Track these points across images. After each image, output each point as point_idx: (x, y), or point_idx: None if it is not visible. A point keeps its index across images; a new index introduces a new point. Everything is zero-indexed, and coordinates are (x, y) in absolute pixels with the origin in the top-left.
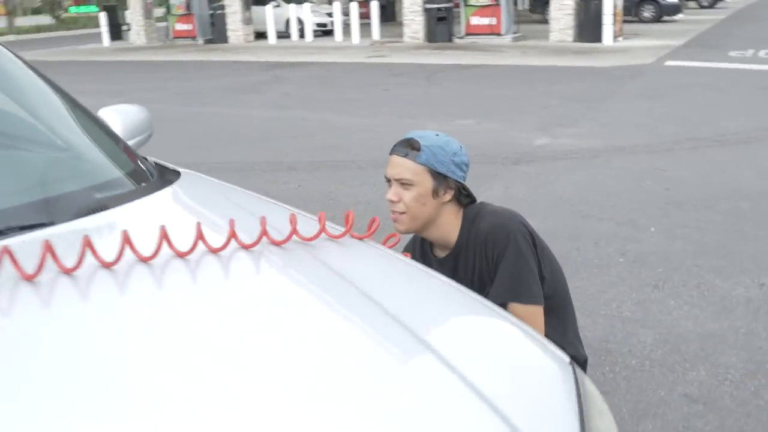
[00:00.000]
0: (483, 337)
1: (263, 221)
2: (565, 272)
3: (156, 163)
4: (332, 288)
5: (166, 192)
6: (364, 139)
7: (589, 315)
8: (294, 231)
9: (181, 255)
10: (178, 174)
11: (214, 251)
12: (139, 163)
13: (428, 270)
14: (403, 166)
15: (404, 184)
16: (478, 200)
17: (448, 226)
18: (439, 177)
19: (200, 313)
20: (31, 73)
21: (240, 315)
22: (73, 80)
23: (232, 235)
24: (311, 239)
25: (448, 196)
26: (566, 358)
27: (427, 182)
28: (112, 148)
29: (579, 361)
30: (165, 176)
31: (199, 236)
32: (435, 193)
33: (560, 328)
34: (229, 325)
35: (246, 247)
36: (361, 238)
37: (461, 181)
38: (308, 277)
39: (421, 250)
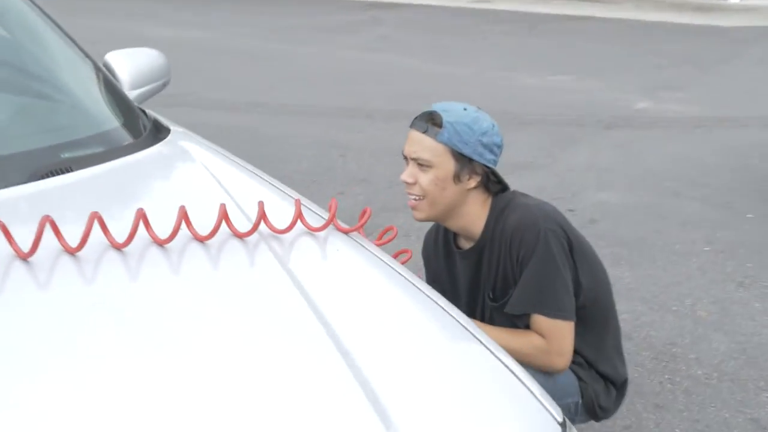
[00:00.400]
0: (445, 382)
1: (222, 209)
2: (638, 256)
3: (152, 119)
4: (267, 295)
5: (136, 158)
6: (449, 89)
7: (657, 310)
8: (261, 219)
9: (118, 246)
10: (162, 137)
11: (161, 242)
12: (126, 119)
13: (414, 282)
14: (421, 144)
15: (421, 164)
16: (525, 189)
17: (473, 216)
18: (462, 159)
19: (106, 314)
20: (27, 9)
21: (138, 311)
22: (155, 10)
23: (185, 220)
24: (283, 231)
25: (473, 182)
26: (558, 417)
27: (448, 164)
28: (98, 99)
29: (616, 382)
30: (145, 138)
31: (144, 221)
32: (457, 177)
33: (596, 342)
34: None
35: (200, 239)
36: (346, 231)
37: (491, 165)
38: (245, 279)
39: (444, 239)
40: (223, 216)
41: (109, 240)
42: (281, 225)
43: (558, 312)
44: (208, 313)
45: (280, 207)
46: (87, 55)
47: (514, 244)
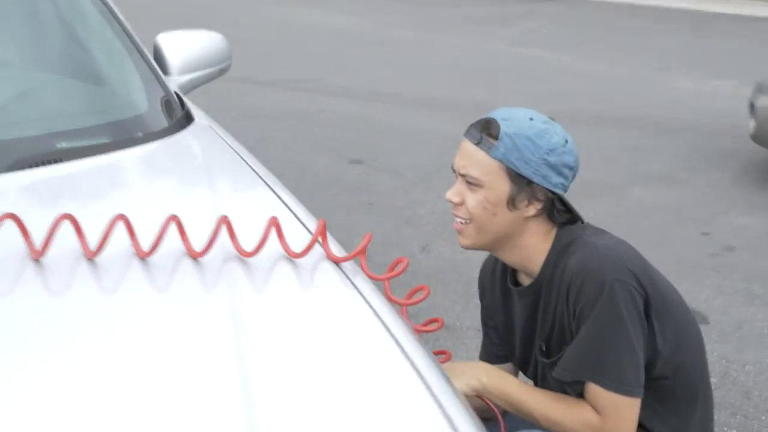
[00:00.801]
0: None
1: (169, 220)
2: None
3: (181, 110)
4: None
5: (144, 150)
6: (597, 89)
7: None
8: (212, 240)
9: (89, 255)
10: (175, 130)
11: (142, 255)
12: (146, 108)
13: (399, 339)
14: (471, 158)
15: (470, 182)
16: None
17: (531, 249)
18: (520, 181)
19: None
20: None
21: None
22: None
23: (129, 233)
24: (249, 254)
25: (533, 210)
26: None
27: (502, 185)
28: (119, 85)
29: None
30: (162, 129)
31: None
32: (511, 202)
33: (677, 422)
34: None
35: (142, 256)
36: (337, 261)
37: (558, 190)
38: (184, 300)
39: (502, 270)
40: (217, 230)
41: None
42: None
43: (620, 385)
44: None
45: (258, 222)
46: (128, 35)
47: (572, 293)
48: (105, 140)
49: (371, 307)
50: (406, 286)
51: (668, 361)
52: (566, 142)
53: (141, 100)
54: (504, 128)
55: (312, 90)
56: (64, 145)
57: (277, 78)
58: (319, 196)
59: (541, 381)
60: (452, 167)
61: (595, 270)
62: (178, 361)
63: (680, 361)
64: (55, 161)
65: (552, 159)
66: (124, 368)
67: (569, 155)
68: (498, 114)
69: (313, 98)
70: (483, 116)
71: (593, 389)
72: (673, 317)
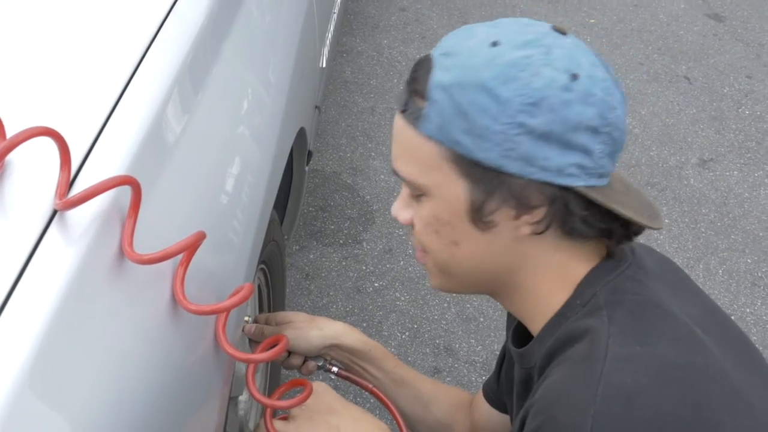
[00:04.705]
0: None
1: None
2: None
3: None
4: None
5: None
6: None
7: None
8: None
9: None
10: None
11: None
12: None
13: None
14: (401, 144)
15: (412, 189)
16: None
17: (536, 298)
18: (481, 173)
19: None
20: None
21: None
22: None
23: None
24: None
25: (526, 225)
26: None
27: (452, 187)
28: None
29: None
30: None
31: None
32: (476, 215)
33: None
34: None
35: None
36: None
37: (571, 182)
38: None
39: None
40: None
41: None
42: None
43: None
44: None
45: None
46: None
47: (529, 424)
48: None
49: None
50: None
51: None
52: (574, 77)
53: None
54: (437, 76)
55: None
56: None
57: None
58: None
59: None
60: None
61: (570, 424)
62: None
63: None
64: None
65: (538, 120)
66: None
67: (584, 103)
68: (443, 44)
69: None
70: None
71: None
72: None
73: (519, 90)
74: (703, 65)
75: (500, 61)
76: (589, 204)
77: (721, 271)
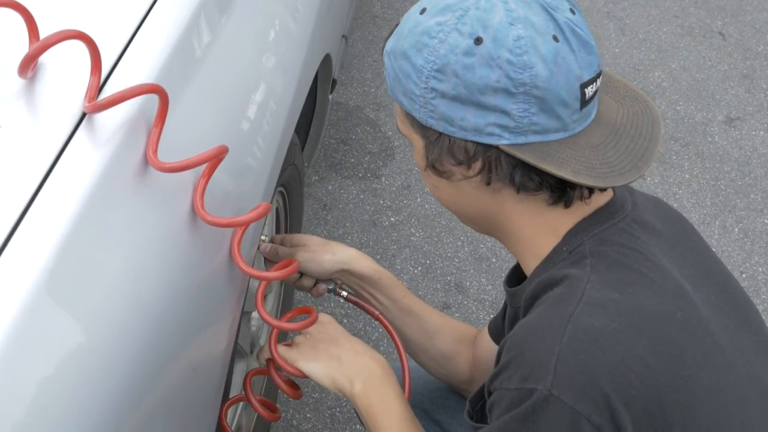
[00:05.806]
0: None
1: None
2: None
3: None
4: None
5: None
6: None
7: None
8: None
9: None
10: None
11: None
12: None
13: None
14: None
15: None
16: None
17: (523, 240)
18: (425, 130)
19: None
20: None
21: None
22: None
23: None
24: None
25: (474, 179)
26: None
27: (416, 141)
28: None
29: None
30: None
31: None
32: (430, 163)
33: None
34: None
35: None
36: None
37: (487, 140)
38: None
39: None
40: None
41: None
42: None
43: None
44: None
45: None
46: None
47: (500, 364)
48: None
49: None
50: None
51: None
52: (478, 41)
53: None
54: (388, 42)
55: None
56: None
57: None
58: None
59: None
60: None
61: (536, 361)
62: None
63: None
64: None
65: (446, 84)
66: None
67: (487, 66)
68: (414, 10)
69: None
70: None
71: None
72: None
73: (428, 57)
74: (739, 21)
75: (419, 29)
76: (519, 161)
77: (737, 230)
